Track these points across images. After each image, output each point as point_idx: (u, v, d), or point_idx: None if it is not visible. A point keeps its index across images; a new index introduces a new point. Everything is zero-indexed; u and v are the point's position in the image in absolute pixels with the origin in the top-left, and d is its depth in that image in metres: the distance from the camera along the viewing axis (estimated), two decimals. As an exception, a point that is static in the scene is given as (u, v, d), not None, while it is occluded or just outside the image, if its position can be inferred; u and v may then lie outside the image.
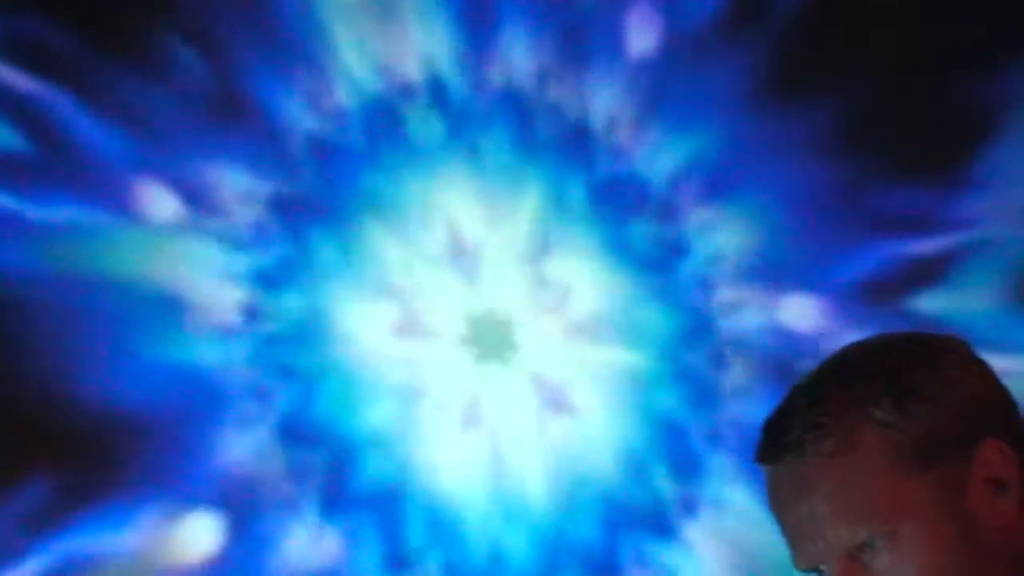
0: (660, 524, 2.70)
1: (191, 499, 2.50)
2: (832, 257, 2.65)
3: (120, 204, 2.54)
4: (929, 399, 1.07)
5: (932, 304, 2.62)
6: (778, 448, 1.10)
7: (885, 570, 1.06)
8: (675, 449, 2.72)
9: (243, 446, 2.55)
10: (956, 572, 1.05)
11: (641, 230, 2.73)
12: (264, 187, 2.59)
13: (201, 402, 2.52)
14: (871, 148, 2.60)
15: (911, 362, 1.10)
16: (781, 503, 1.11)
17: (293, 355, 2.62)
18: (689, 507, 2.71)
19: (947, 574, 1.05)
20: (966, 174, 2.50)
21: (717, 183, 2.72)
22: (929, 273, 2.62)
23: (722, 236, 2.70)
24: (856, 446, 1.06)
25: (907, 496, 1.05)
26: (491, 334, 2.68)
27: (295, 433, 2.59)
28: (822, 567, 1.11)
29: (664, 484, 2.71)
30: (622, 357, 2.72)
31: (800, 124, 2.58)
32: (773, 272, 2.67)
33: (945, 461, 1.07)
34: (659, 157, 2.73)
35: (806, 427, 1.08)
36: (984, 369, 1.13)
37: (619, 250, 2.72)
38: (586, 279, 2.70)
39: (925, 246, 2.59)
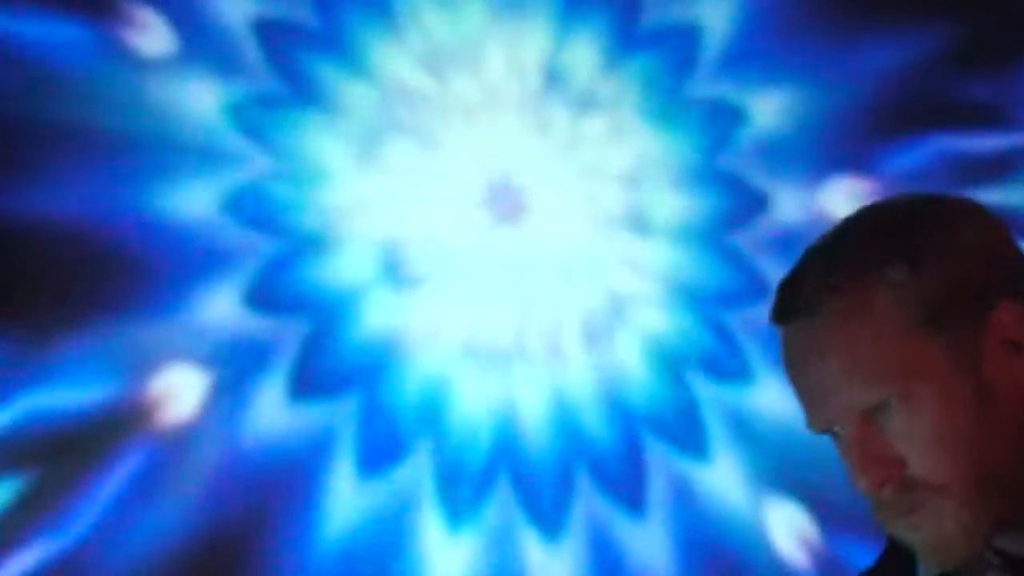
0: (689, 423, 2.80)
1: (166, 354, 2.59)
2: (886, 144, 2.77)
3: (109, 29, 2.60)
4: (943, 261, 1.19)
5: (989, 201, 2.78)
6: (793, 309, 1.22)
7: (899, 431, 1.18)
8: (710, 340, 2.81)
9: (224, 302, 2.62)
10: (969, 433, 1.18)
11: (688, 91, 2.79)
12: (258, 13, 2.64)
13: (180, 250, 2.59)
14: (945, 34, 2.74)
15: (926, 224, 1.22)
16: (796, 364, 1.23)
17: (282, 204, 2.68)
18: (721, 405, 2.81)
19: (961, 435, 1.18)
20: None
21: (773, 50, 2.78)
22: (989, 171, 2.73)
23: (772, 109, 2.78)
24: (870, 307, 1.18)
25: (921, 358, 1.18)
26: (505, 196, 2.75)
27: (279, 292, 2.66)
28: (836, 428, 1.23)
29: (695, 376, 2.81)
30: (657, 231, 2.80)
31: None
32: (822, 153, 2.78)
33: (960, 323, 1.19)
34: (712, 11, 2.78)
35: (821, 288, 1.20)
36: (1000, 231, 1.24)
37: (661, 110, 2.79)
38: (622, 141, 2.78)
39: (988, 143, 2.73)
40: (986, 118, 2.69)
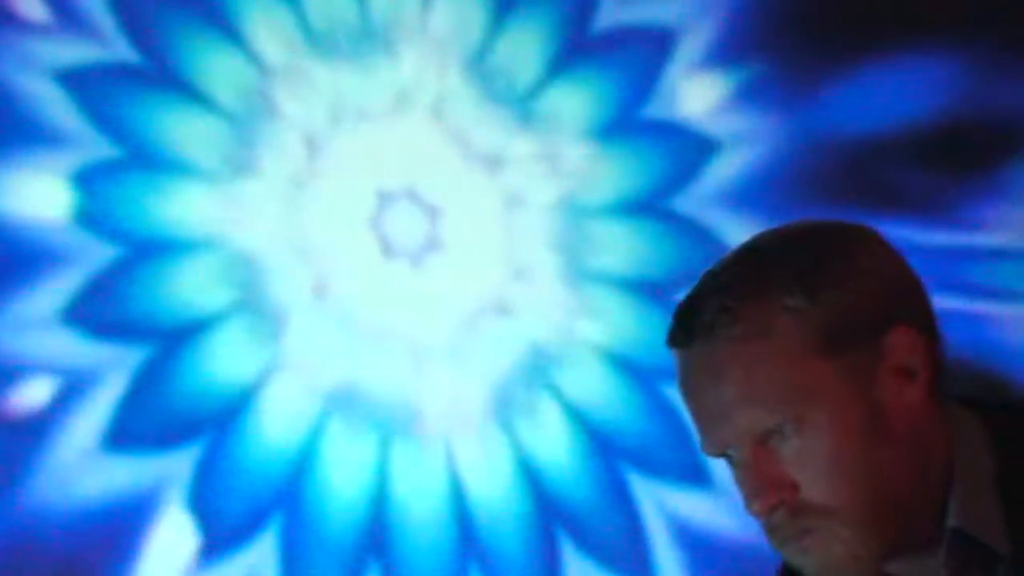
0: (624, 532, 2.74)
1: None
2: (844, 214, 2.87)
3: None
4: (840, 286, 1.37)
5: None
6: (689, 332, 1.39)
7: (793, 455, 1.36)
8: (654, 425, 2.74)
9: (41, 316, 2.61)
10: (862, 459, 1.35)
11: (644, 111, 2.77)
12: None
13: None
14: (904, 125, 2.85)
15: (823, 249, 1.40)
16: (692, 387, 1.41)
17: (127, 203, 2.65)
18: (666, 511, 2.74)
19: (853, 460, 1.35)
20: (1000, 178, 2.85)
21: (751, 75, 2.79)
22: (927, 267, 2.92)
23: (741, 145, 2.79)
24: (766, 332, 1.36)
25: (816, 382, 1.35)
26: (405, 217, 2.73)
27: (111, 309, 2.64)
28: (731, 452, 1.40)
29: (634, 471, 2.74)
30: (592, 279, 2.77)
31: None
32: (782, 208, 2.75)
33: (855, 348, 1.36)
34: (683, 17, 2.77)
35: (717, 312, 1.37)
36: (895, 257, 1.42)
37: (609, 132, 2.76)
38: (556, 164, 2.76)
39: (930, 238, 2.83)
40: (933, 213, 2.84)
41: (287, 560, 2.67)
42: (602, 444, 2.76)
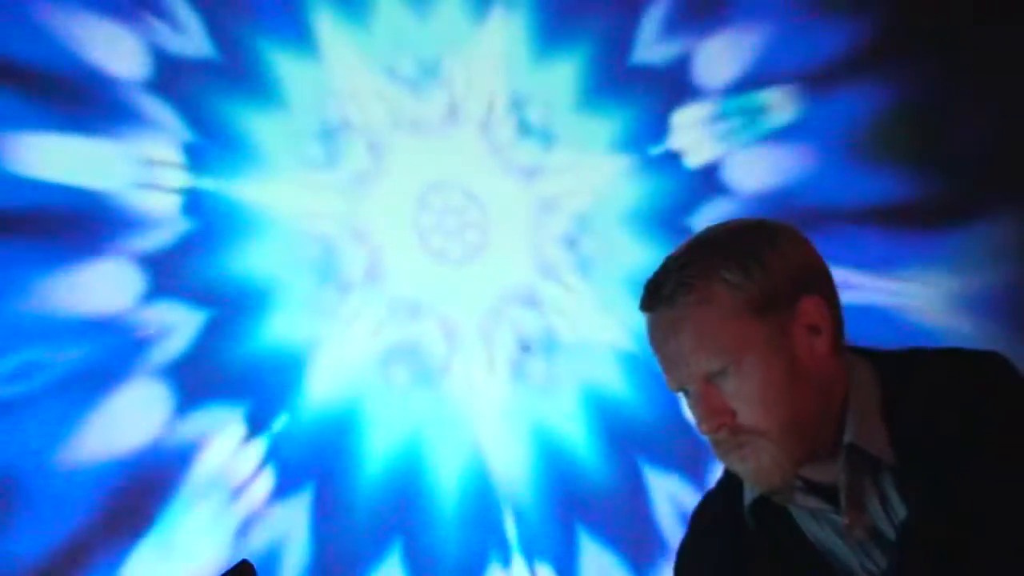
0: (638, 522, 2.85)
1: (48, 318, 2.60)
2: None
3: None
4: (766, 266, 1.83)
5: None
6: (655, 299, 1.86)
7: (732, 391, 1.83)
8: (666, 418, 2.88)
9: (118, 274, 2.71)
10: (782, 393, 1.82)
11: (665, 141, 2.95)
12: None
13: (85, 212, 2.70)
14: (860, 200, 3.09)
15: (754, 238, 1.86)
16: (657, 341, 1.87)
17: (202, 181, 2.78)
18: (678, 504, 2.86)
19: (776, 394, 1.82)
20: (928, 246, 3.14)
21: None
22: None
23: (751, 178, 3.01)
24: (712, 299, 1.83)
25: (748, 337, 1.82)
26: (451, 212, 2.90)
27: (182, 272, 2.74)
28: (687, 388, 1.86)
29: (647, 461, 2.88)
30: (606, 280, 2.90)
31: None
32: None
33: (777, 312, 1.83)
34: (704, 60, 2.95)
35: (676, 285, 1.84)
36: (809, 246, 1.89)
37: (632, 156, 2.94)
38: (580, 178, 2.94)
39: (872, 283, 3.07)
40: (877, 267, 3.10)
41: (316, 520, 2.76)
42: (614, 430, 2.94)
